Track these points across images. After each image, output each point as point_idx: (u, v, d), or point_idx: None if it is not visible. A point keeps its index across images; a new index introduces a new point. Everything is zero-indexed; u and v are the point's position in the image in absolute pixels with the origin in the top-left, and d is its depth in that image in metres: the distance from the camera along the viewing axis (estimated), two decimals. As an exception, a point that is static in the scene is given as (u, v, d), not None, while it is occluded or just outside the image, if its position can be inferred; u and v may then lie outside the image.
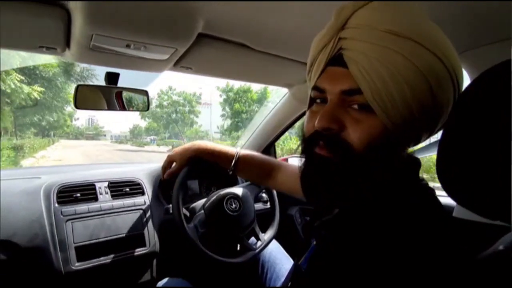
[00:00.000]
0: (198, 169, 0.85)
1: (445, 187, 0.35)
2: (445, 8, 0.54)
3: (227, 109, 18.73)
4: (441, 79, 0.35)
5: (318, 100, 0.40)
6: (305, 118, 0.42)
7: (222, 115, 19.98)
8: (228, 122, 19.17)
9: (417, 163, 0.42)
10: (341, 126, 0.36)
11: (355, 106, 0.36)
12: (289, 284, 0.50)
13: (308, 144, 0.40)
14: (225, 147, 0.84)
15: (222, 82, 19.76)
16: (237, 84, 17.71)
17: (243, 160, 0.81)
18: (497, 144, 0.28)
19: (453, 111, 0.35)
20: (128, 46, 0.63)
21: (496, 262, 0.36)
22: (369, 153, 0.36)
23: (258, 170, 0.83)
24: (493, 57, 0.65)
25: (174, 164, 0.86)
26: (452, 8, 0.54)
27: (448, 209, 0.80)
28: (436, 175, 0.35)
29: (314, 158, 0.39)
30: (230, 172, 0.83)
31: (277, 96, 1.24)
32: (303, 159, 0.41)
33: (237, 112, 17.86)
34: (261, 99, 17.25)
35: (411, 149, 0.44)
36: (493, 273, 0.33)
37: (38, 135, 21.40)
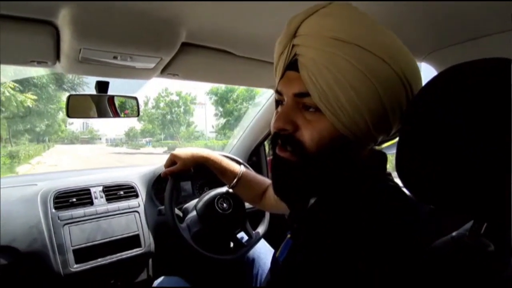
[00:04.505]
0: (200, 174, 0.85)
1: (404, 183, 0.37)
2: (412, 10, 0.56)
3: (220, 108, 18.74)
4: (388, 82, 0.36)
5: (280, 102, 0.43)
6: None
7: (215, 115, 19.99)
8: (222, 121, 19.15)
9: (382, 158, 0.45)
10: (295, 127, 0.40)
11: (309, 108, 0.39)
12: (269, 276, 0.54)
13: (272, 144, 0.44)
14: (230, 162, 0.86)
15: (209, 86, 19.75)
16: (222, 85, 17.73)
17: (244, 179, 0.83)
18: (451, 142, 0.31)
19: (409, 110, 0.36)
20: (115, 57, 0.67)
21: (448, 248, 0.40)
22: (321, 151, 0.39)
23: (254, 190, 0.84)
24: (460, 57, 0.69)
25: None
26: (418, 10, 0.56)
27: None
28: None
29: (276, 159, 0.43)
30: (230, 190, 0.86)
31: (268, 92, 1.26)
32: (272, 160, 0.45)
33: (229, 111, 17.87)
34: (251, 96, 17.22)
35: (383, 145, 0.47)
36: (444, 258, 0.37)
37: (33, 141, 21.22)
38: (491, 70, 0.31)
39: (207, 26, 0.64)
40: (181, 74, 0.85)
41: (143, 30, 0.60)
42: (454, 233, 0.45)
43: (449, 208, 0.35)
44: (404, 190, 0.43)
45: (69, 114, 0.81)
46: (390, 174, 0.46)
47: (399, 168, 0.38)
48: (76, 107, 0.83)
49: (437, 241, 0.46)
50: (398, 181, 0.47)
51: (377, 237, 0.36)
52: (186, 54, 0.73)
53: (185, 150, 0.85)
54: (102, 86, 0.85)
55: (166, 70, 0.81)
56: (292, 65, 0.40)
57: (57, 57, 0.68)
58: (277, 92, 0.43)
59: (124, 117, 0.91)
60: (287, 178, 0.42)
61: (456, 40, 0.68)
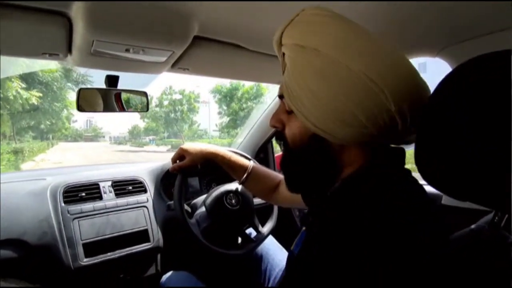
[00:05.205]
0: (209, 171, 0.85)
1: (425, 178, 0.37)
2: (424, 6, 0.56)
3: (224, 106, 18.71)
4: (347, 82, 0.36)
5: None
6: None
7: (219, 113, 19.98)
8: (226, 119, 19.13)
9: (399, 154, 0.44)
10: (283, 125, 0.46)
11: (289, 109, 0.44)
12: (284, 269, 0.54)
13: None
14: (239, 157, 0.85)
15: (213, 84, 19.72)
16: (227, 83, 17.72)
17: (254, 174, 0.82)
18: (469, 136, 0.31)
19: (426, 107, 0.36)
20: (127, 50, 0.66)
21: (467, 240, 0.39)
22: (297, 148, 0.44)
23: (265, 185, 0.83)
24: (474, 52, 0.68)
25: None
26: (432, 7, 0.56)
27: (436, 197, 0.84)
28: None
29: (282, 155, 0.49)
30: (241, 185, 0.85)
31: (275, 89, 1.25)
32: None
33: (233, 110, 17.83)
34: (257, 94, 17.15)
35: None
36: (462, 248, 0.37)
37: (37, 139, 21.37)
38: (492, 65, 0.31)
39: (220, 19, 0.64)
40: (192, 69, 0.85)
41: (156, 23, 0.60)
42: (473, 226, 0.45)
43: (473, 201, 0.35)
44: (423, 185, 0.43)
45: (79, 108, 0.81)
46: (409, 170, 0.44)
47: (418, 163, 0.38)
48: (87, 101, 0.83)
49: (455, 233, 0.46)
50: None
51: (380, 236, 0.35)
52: (198, 47, 0.73)
53: (194, 146, 0.84)
54: (112, 80, 0.85)
55: (177, 64, 0.80)
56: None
57: (69, 50, 0.68)
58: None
59: (133, 111, 0.90)
60: (284, 171, 0.49)
61: (470, 35, 0.67)
